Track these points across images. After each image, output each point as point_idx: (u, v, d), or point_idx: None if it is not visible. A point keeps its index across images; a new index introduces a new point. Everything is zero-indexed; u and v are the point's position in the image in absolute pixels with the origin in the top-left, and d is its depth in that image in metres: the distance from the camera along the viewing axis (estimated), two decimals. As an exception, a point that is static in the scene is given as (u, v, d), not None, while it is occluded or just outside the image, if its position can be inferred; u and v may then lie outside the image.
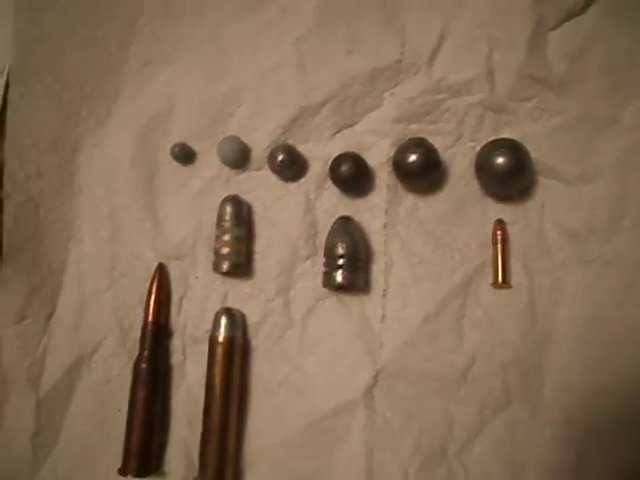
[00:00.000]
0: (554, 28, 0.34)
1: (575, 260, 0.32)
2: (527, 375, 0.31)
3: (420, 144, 0.32)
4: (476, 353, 0.32)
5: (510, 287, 0.32)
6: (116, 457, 0.33)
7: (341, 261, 0.31)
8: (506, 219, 0.33)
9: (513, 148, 0.32)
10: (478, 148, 0.33)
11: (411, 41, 0.34)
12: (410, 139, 0.32)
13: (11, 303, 0.34)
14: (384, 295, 0.33)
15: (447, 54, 0.34)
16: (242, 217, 0.33)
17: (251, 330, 0.33)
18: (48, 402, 0.34)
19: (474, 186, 0.33)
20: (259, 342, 0.33)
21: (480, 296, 0.32)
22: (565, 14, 0.34)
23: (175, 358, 0.34)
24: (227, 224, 0.32)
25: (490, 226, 0.33)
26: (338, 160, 0.32)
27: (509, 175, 0.31)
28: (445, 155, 0.34)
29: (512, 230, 0.33)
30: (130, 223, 0.35)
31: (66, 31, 0.34)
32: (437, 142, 0.33)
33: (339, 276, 0.31)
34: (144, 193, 0.35)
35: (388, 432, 0.31)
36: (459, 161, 0.34)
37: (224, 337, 0.32)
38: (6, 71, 0.34)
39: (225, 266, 0.32)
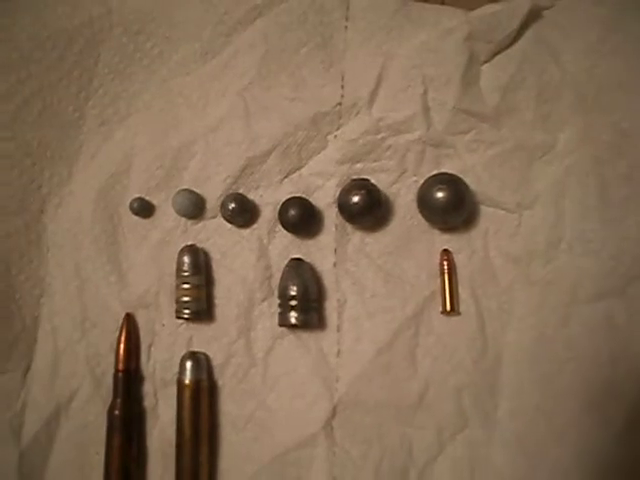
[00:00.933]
0: (486, 62, 0.36)
1: (519, 283, 0.34)
2: (481, 398, 0.33)
3: (361, 185, 0.33)
4: (430, 379, 0.34)
5: (459, 314, 0.34)
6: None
7: (293, 302, 0.33)
8: (452, 249, 0.35)
9: (451, 182, 0.33)
10: (421, 182, 0.35)
11: (350, 84, 0.36)
12: (352, 180, 0.34)
13: None
14: (338, 330, 0.34)
15: (385, 95, 0.36)
16: (200, 265, 0.34)
17: (216, 371, 0.35)
18: (30, 453, 0.35)
19: (419, 219, 0.35)
20: (225, 382, 0.35)
21: (432, 325, 0.34)
22: (496, 48, 0.35)
23: (147, 401, 0.35)
24: (186, 273, 0.34)
25: (437, 256, 0.35)
26: (285, 205, 0.34)
27: (449, 209, 0.33)
28: (389, 191, 0.35)
29: (458, 259, 0.35)
30: (96, 276, 0.36)
31: (24, 99, 0.36)
32: (381, 179, 0.35)
33: (292, 317, 0.33)
34: (108, 247, 0.36)
35: (349, 461, 0.33)
36: (403, 196, 0.35)
37: (190, 380, 0.34)
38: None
39: (187, 313, 0.34)
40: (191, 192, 0.35)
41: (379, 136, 0.35)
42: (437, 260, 0.35)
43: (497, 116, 0.35)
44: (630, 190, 0.32)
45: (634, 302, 0.32)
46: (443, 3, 0.38)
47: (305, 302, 0.33)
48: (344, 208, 0.34)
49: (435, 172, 0.34)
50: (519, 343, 0.33)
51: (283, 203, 0.34)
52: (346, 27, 0.36)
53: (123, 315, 0.36)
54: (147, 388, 0.36)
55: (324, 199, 0.35)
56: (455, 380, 0.33)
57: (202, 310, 0.34)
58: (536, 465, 0.32)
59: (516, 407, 0.33)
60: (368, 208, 0.33)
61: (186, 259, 0.34)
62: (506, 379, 0.33)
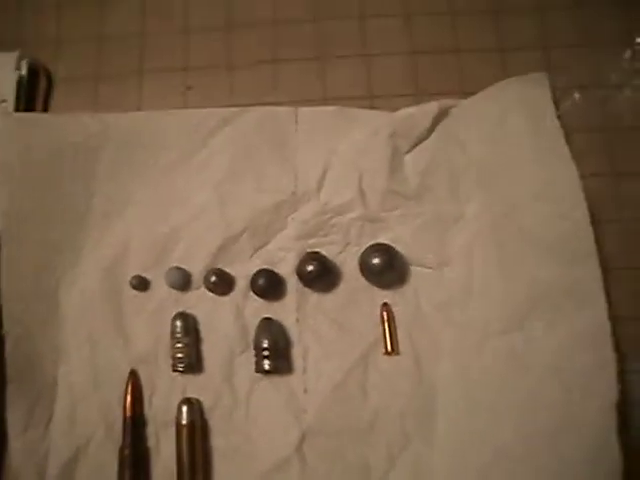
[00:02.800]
0: (407, 152, 0.45)
1: (445, 326, 0.42)
2: (421, 420, 0.40)
3: (314, 257, 0.42)
4: (378, 408, 0.40)
5: (399, 354, 0.42)
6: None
7: (266, 352, 0.41)
8: (390, 302, 0.43)
9: (383, 250, 0.42)
10: (361, 251, 0.44)
11: (302, 176, 0.45)
12: (307, 254, 0.43)
13: (18, 416, 0.41)
14: (304, 373, 0.42)
15: (329, 183, 0.44)
16: (189, 328, 0.42)
17: (207, 412, 0.42)
18: None
19: (362, 280, 0.43)
20: (214, 421, 0.41)
21: (377, 363, 0.41)
22: (414, 141, 0.44)
23: (151, 441, 0.42)
24: (179, 335, 0.42)
25: (378, 309, 0.43)
26: (255, 276, 0.43)
27: (383, 271, 0.42)
28: (337, 259, 0.44)
29: (396, 309, 0.42)
30: (105, 340, 0.43)
31: (40, 201, 0.44)
32: (330, 250, 0.44)
33: (266, 364, 0.41)
34: (113, 316, 0.43)
35: (317, 478, 0.41)
36: (349, 263, 0.44)
37: (186, 421, 0.41)
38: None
39: (181, 367, 0.42)
40: (179, 269, 0.43)
41: (326, 216, 0.44)
42: (379, 312, 0.43)
43: (418, 194, 0.44)
44: (519, 247, 0.40)
45: (529, 334, 0.39)
46: (372, 107, 0.47)
47: (275, 352, 0.41)
48: (302, 276, 0.42)
49: (372, 242, 0.43)
50: (448, 374, 0.41)
51: (254, 275, 0.43)
52: (296, 130, 0.46)
53: (128, 371, 0.43)
54: (150, 430, 0.42)
55: (286, 269, 0.43)
56: (399, 407, 0.40)
57: (193, 363, 0.42)
58: (469, 473, 0.38)
59: (450, 426, 0.40)
60: (320, 275, 0.42)
61: (178, 323, 0.42)
62: (440, 404, 0.40)
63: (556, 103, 0.43)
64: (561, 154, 0.41)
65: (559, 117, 0.42)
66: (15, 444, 0.41)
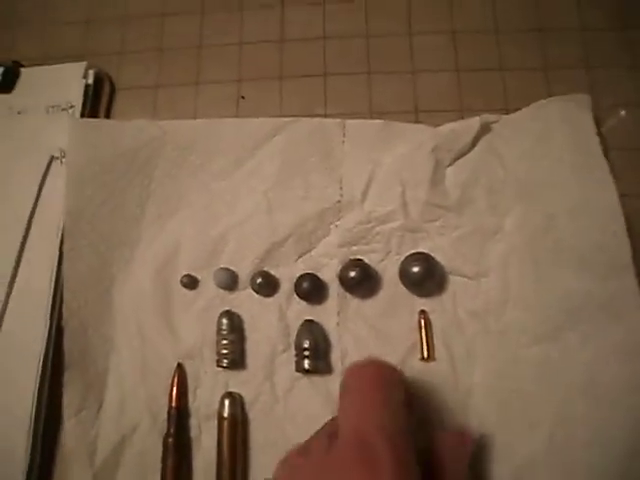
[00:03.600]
0: (449, 166, 0.46)
1: (480, 334, 0.42)
2: (456, 428, 0.40)
3: (357, 264, 0.44)
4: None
5: (435, 360, 0.43)
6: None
7: (306, 352, 0.42)
8: (427, 309, 0.44)
9: (423, 259, 0.44)
10: (402, 259, 0.45)
11: (347, 186, 0.46)
12: (350, 260, 0.45)
13: (72, 400, 0.44)
14: (342, 375, 0.44)
15: (373, 194, 0.46)
16: (235, 326, 0.44)
17: (247, 407, 0.43)
18: (101, 474, 0.43)
19: (401, 288, 0.45)
20: (254, 415, 0.43)
21: (413, 369, 0.43)
22: (456, 155, 0.45)
23: (193, 432, 0.43)
24: (224, 332, 0.44)
25: (416, 316, 0.45)
26: (300, 280, 0.44)
27: (422, 279, 0.43)
28: (378, 267, 0.45)
29: (433, 316, 0.43)
30: (154, 335, 0.45)
31: (101, 200, 0.47)
32: (372, 258, 0.45)
33: (306, 363, 0.42)
34: (163, 313, 0.45)
35: None
36: (389, 270, 0.45)
37: (228, 414, 0.42)
38: (60, 231, 0.48)
39: (225, 363, 0.44)
40: (227, 270, 0.46)
41: (369, 225, 0.45)
42: (416, 319, 0.44)
43: (459, 207, 0.45)
44: (555, 259, 0.41)
45: (564, 345, 0.39)
46: (416, 121, 0.49)
47: (315, 352, 0.42)
48: (344, 281, 0.44)
49: (412, 252, 0.45)
50: (483, 381, 0.42)
51: (298, 278, 0.44)
52: (343, 142, 0.47)
53: (175, 364, 0.45)
54: (193, 422, 0.44)
55: (329, 274, 0.45)
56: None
57: (236, 360, 0.44)
58: (494, 470, 0.39)
59: (483, 432, 0.40)
60: (362, 281, 0.43)
61: (224, 321, 0.44)
62: (474, 411, 0.41)
63: (599, 122, 0.45)
64: (601, 171, 0.42)
65: (601, 135, 0.43)
66: (68, 425, 0.44)
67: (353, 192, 0.46)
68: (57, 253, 0.46)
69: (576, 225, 0.41)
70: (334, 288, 0.45)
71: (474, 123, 0.46)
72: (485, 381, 0.42)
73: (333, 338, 0.44)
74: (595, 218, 0.41)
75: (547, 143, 0.44)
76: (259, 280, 0.44)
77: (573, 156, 0.43)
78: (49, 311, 0.45)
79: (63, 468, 0.44)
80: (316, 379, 0.43)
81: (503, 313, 0.42)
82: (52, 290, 0.46)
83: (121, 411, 0.44)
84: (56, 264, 0.46)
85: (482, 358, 0.42)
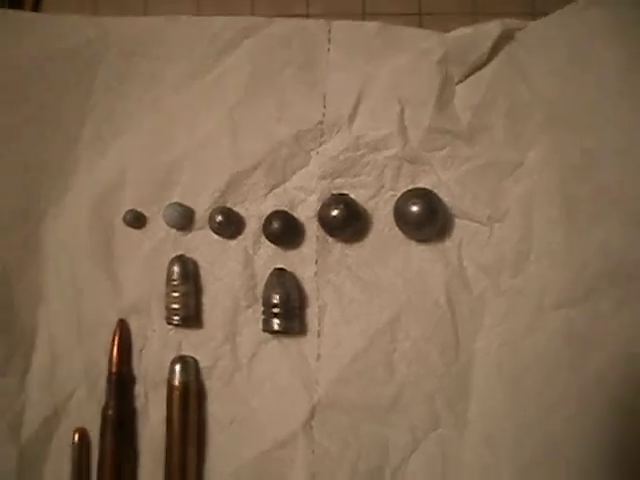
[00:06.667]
0: (460, 82, 0.37)
1: (490, 292, 0.36)
2: (453, 400, 0.35)
3: (340, 200, 0.35)
4: (405, 383, 0.35)
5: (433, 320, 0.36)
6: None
7: (276, 310, 0.35)
8: (427, 258, 0.36)
9: (424, 197, 0.35)
10: (398, 196, 0.37)
11: (332, 104, 0.38)
12: (331, 195, 0.36)
13: None
14: (319, 336, 0.36)
15: (364, 114, 0.37)
16: (188, 274, 0.36)
17: (203, 374, 0.37)
18: (29, 451, 0.37)
19: (396, 232, 0.37)
20: (211, 384, 0.36)
21: (408, 331, 0.36)
22: (469, 69, 0.37)
23: (138, 402, 0.37)
24: (175, 282, 0.36)
25: (413, 266, 0.36)
26: (269, 218, 0.36)
27: (422, 221, 0.35)
28: (368, 205, 0.37)
29: (434, 268, 0.36)
30: (92, 285, 0.38)
31: (24, 118, 0.38)
32: (360, 194, 0.37)
33: (275, 323, 0.35)
34: (102, 257, 0.38)
35: (327, 460, 0.35)
36: (381, 210, 0.37)
37: (179, 382, 0.36)
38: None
39: (176, 320, 0.36)
40: (181, 205, 0.37)
41: (358, 153, 0.37)
42: (414, 269, 0.36)
43: (470, 134, 0.37)
44: (593, 209, 0.34)
45: (593, 312, 0.33)
46: (420, 26, 0.40)
47: (287, 309, 0.35)
48: (325, 221, 0.36)
49: (411, 187, 0.36)
50: (488, 348, 0.35)
51: (267, 216, 0.36)
52: (328, 49, 0.38)
53: (116, 321, 0.38)
54: (138, 390, 0.37)
55: (306, 212, 0.37)
56: (429, 383, 0.35)
57: (190, 316, 0.36)
58: (502, 462, 0.33)
59: (485, 409, 0.34)
60: (347, 221, 0.35)
61: (176, 269, 0.36)
62: (476, 383, 0.35)
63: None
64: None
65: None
66: None
67: (339, 111, 0.37)
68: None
69: (624, 168, 0.34)
70: (312, 230, 0.37)
71: (492, 29, 0.37)
72: (491, 351, 0.35)
73: (309, 291, 0.37)
74: None
75: (587, 57, 0.36)
76: (219, 218, 0.36)
77: (624, 76, 0.34)
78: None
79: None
80: (287, 341, 0.36)
81: (520, 269, 0.35)
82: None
83: (52, 377, 0.38)
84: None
85: (490, 322, 0.35)
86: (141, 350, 0.38)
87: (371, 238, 0.37)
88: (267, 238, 0.36)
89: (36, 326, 0.38)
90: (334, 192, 0.37)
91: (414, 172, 0.37)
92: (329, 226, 0.36)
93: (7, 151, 0.38)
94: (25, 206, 0.39)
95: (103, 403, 0.37)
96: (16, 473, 0.37)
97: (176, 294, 0.36)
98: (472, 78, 0.37)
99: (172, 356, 0.37)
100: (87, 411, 0.37)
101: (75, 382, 0.38)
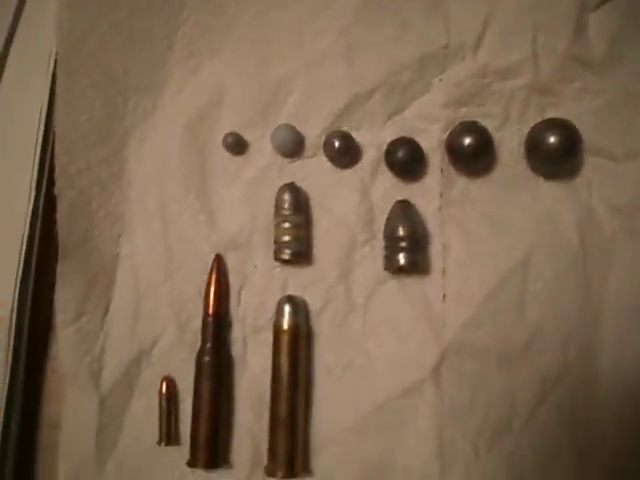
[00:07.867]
0: (594, 10, 0.35)
1: (622, 234, 0.33)
2: (584, 348, 0.32)
3: (473, 128, 0.32)
4: (537, 327, 0.32)
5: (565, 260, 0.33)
6: (180, 449, 0.32)
7: (403, 243, 0.31)
8: (557, 196, 0.33)
9: (566, 127, 0.32)
10: (525, 130, 0.33)
11: (456, 28, 0.34)
12: (462, 122, 0.33)
13: (69, 300, 0.33)
14: (444, 275, 0.33)
15: (492, 39, 0.34)
16: (300, 204, 0.33)
17: (313, 316, 0.33)
18: (110, 399, 0.33)
19: (523, 166, 0.34)
20: (322, 328, 0.33)
21: (541, 270, 0.33)
22: None
23: (235, 349, 0.34)
24: (286, 212, 0.32)
25: (542, 204, 0.34)
26: (394, 146, 0.33)
27: (561, 154, 0.32)
28: (493, 137, 0.34)
29: (563, 206, 0.33)
30: (183, 216, 0.34)
31: (111, 25, 0.34)
32: (485, 125, 0.34)
33: (402, 258, 0.31)
34: (195, 185, 0.34)
35: (456, 409, 0.32)
36: (507, 143, 0.34)
37: (289, 325, 0.32)
38: (52, 65, 0.34)
39: (287, 254, 0.32)
40: (292, 128, 0.33)
41: (485, 81, 0.34)
42: (542, 207, 0.33)
43: (604, 66, 0.34)
44: None
45: None
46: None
47: (414, 243, 0.32)
48: (454, 150, 0.32)
49: (547, 117, 0.33)
50: (620, 292, 0.32)
51: (391, 143, 0.33)
52: (451, -38, 0.35)
53: (211, 257, 0.34)
54: (236, 335, 0.34)
55: (428, 142, 0.34)
56: (562, 327, 0.32)
57: (301, 251, 0.33)
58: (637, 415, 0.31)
59: (616, 358, 0.32)
60: (480, 151, 0.32)
61: (286, 197, 0.32)
62: (606, 331, 0.32)
63: None
64: None
65: None
66: (63, 336, 0.33)
67: (465, 35, 0.34)
68: (47, 94, 0.35)
69: None
70: (435, 161, 0.34)
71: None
72: (622, 293, 0.32)
73: (432, 227, 0.33)
74: None
75: None
76: (337, 143, 0.32)
77: None
78: (35, 176, 0.34)
79: (57, 391, 0.34)
80: (408, 281, 0.33)
81: None
82: (39, 147, 0.35)
83: (135, 317, 0.34)
84: (45, 110, 0.35)
85: (621, 264, 0.33)
86: (239, 290, 0.34)
87: (496, 173, 0.34)
88: (390, 168, 0.33)
89: (118, 260, 0.35)
90: (464, 120, 0.33)
91: (543, 104, 0.34)
92: (459, 156, 0.32)
93: (90, 61, 0.34)
94: (108, 124, 0.35)
95: (198, 348, 0.33)
96: (97, 425, 0.33)
97: (287, 224, 0.32)
98: (607, 6, 0.34)
99: (276, 296, 0.33)
100: (175, 357, 0.34)
101: (162, 324, 0.34)
